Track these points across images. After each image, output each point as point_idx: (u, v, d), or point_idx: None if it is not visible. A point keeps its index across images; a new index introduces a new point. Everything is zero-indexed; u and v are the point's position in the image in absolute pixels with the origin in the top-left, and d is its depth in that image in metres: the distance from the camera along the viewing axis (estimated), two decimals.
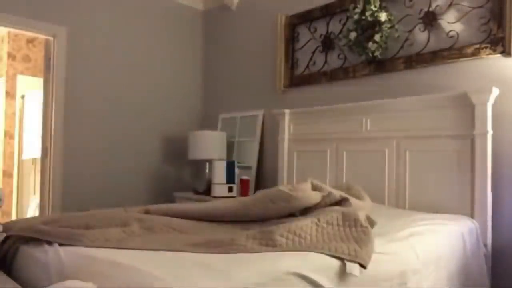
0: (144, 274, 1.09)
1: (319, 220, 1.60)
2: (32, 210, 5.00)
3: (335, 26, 3.22)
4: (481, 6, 2.46)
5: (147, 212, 1.99)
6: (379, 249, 1.51)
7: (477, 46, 2.44)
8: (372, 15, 2.79)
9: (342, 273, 1.31)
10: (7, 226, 1.86)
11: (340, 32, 3.16)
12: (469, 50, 2.47)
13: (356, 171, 2.86)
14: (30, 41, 5.54)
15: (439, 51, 2.61)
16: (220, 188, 3.40)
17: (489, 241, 2.25)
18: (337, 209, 1.74)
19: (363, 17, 2.83)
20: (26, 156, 5.29)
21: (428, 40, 2.68)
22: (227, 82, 4.19)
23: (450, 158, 2.40)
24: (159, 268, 1.12)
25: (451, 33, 2.58)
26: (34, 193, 5.16)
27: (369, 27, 2.80)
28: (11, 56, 5.40)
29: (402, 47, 2.80)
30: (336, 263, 1.33)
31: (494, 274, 2.29)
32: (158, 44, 4.10)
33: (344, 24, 3.13)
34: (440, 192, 2.42)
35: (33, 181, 5.26)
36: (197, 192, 3.68)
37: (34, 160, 5.26)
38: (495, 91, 2.26)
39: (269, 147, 3.66)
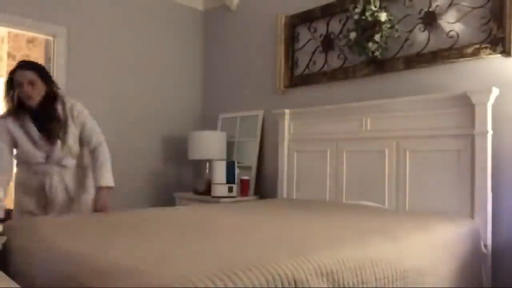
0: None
1: None
2: None
3: (335, 26, 3.22)
4: (481, 6, 2.46)
5: None
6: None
7: (477, 46, 2.44)
8: (372, 15, 2.79)
9: None
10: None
11: (340, 32, 3.16)
12: (469, 50, 2.47)
13: (356, 171, 2.86)
14: (30, 41, 5.53)
15: (439, 51, 2.61)
16: (220, 188, 3.40)
17: (489, 241, 2.25)
18: None
19: (363, 17, 2.83)
20: None
21: (428, 40, 2.68)
22: (227, 82, 4.19)
23: (450, 158, 2.41)
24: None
25: (451, 33, 2.58)
26: None
27: (369, 27, 2.80)
28: (11, 56, 5.40)
29: (402, 47, 2.80)
30: None
31: (494, 274, 2.29)
32: (158, 44, 4.10)
33: (344, 24, 3.13)
34: (440, 192, 2.42)
35: None
36: (197, 192, 3.68)
37: None
38: (495, 91, 2.26)
39: (269, 147, 3.66)
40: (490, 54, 2.39)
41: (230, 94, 4.15)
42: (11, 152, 2.27)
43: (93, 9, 3.65)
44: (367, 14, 2.80)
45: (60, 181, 2.34)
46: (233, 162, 3.48)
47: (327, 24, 3.27)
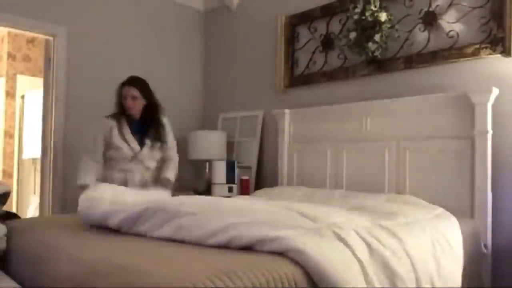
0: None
1: None
2: (32, 210, 4.99)
3: (335, 26, 3.22)
4: (481, 6, 2.46)
5: None
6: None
7: (477, 46, 2.44)
8: (372, 15, 2.79)
9: None
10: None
11: (340, 32, 3.16)
12: (469, 50, 2.47)
13: (356, 171, 2.85)
14: (30, 41, 5.53)
15: (439, 51, 2.61)
16: (220, 188, 3.40)
17: (489, 241, 2.25)
18: None
19: (363, 17, 2.83)
20: (26, 156, 5.29)
21: (428, 40, 2.68)
22: (227, 82, 4.19)
23: (450, 158, 2.41)
24: None
25: (451, 33, 2.58)
26: (34, 193, 5.16)
27: (369, 27, 2.80)
28: (11, 56, 5.40)
29: (402, 47, 2.80)
30: None
31: (494, 274, 2.29)
32: (158, 44, 4.10)
33: (344, 24, 3.13)
34: (440, 192, 2.42)
35: (33, 181, 5.26)
36: (197, 192, 3.68)
37: (34, 160, 5.25)
38: (495, 91, 2.26)
39: (269, 147, 3.66)
40: (490, 54, 2.39)
41: (230, 94, 4.14)
42: (102, 147, 2.69)
43: (93, 9, 3.65)
44: (367, 14, 2.80)
45: (140, 180, 2.72)
46: (233, 162, 3.48)
47: (327, 24, 3.27)
